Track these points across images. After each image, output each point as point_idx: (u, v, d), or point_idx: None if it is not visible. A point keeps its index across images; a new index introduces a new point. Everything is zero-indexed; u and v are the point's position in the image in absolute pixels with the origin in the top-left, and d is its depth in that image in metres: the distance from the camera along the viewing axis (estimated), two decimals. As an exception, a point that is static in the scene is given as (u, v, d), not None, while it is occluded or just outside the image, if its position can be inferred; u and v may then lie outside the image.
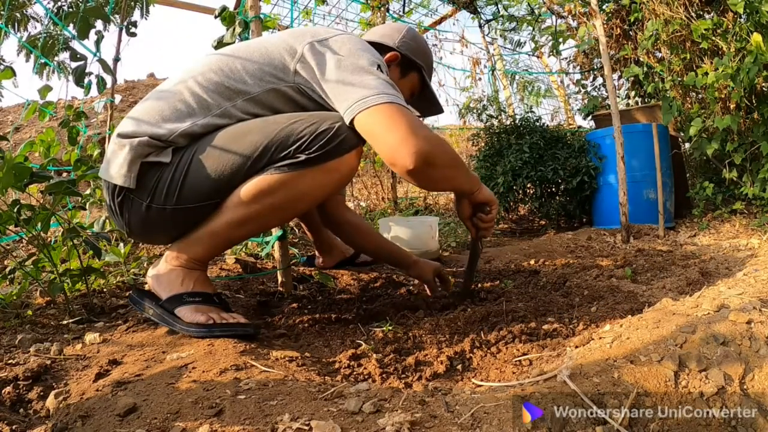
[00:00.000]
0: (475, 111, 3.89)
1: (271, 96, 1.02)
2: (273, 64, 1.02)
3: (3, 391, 0.75)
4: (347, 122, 0.96)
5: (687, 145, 3.20)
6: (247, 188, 0.97)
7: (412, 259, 1.41)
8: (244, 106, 1.01)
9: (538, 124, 3.37)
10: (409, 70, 1.27)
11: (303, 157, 0.95)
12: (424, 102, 1.36)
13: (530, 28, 5.02)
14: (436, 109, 1.38)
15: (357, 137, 0.98)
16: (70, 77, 1.82)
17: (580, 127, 4.45)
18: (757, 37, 2.11)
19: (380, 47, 1.23)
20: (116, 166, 0.99)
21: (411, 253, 1.45)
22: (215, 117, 1.00)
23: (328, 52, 1.01)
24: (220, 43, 1.64)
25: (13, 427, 0.65)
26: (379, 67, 1.00)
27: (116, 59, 2.41)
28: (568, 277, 1.53)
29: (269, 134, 0.96)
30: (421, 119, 1.13)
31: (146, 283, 1.10)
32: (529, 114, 3.50)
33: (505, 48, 5.23)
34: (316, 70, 1.00)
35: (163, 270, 1.03)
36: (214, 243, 1.03)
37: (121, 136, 1.01)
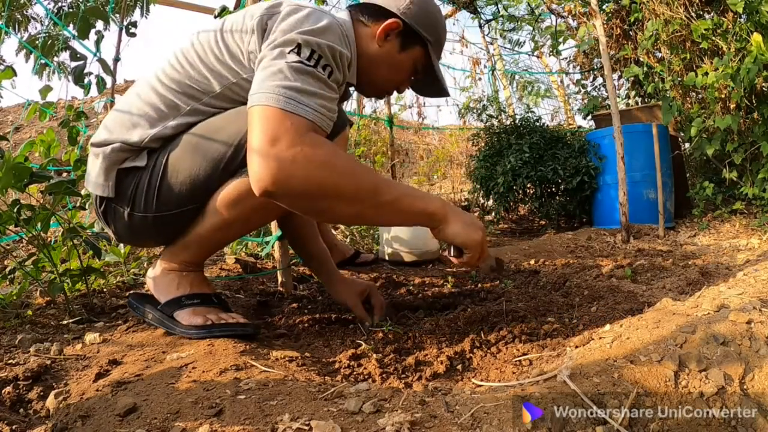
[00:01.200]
0: (475, 111, 3.89)
1: (235, 88, 0.96)
2: (232, 53, 0.95)
3: (3, 391, 0.74)
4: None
5: (687, 145, 3.21)
6: (227, 192, 0.94)
7: (336, 277, 1.23)
8: (212, 102, 0.97)
9: (538, 124, 3.37)
10: (412, 43, 1.04)
11: None
12: (426, 82, 1.16)
13: (530, 27, 5.03)
14: (438, 90, 1.18)
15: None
16: (70, 77, 1.82)
17: (580, 127, 4.45)
18: (757, 37, 2.11)
19: (381, 12, 1.03)
20: (94, 176, 0.98)
21: (339, 273, 1.25)
22: (185, 116, 0.96)
23: (272, 27, 0.90)
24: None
25: (13, 427, 0.65)
26: (312, 53, 0.85)
27: (116, 59, 2.42)
28: (568, 277, 1.53)
29: (240, 129, 0.91)
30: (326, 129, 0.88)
31: (146, 283, 1.10)
32: (529, 114, 3.50)
33: (504, 48, 5.24)
34: (260, 48, 0.90)
35: (159, 274, 1.03)
36: (202, 247, 1.03)
37: (94, 145, 0.99)
